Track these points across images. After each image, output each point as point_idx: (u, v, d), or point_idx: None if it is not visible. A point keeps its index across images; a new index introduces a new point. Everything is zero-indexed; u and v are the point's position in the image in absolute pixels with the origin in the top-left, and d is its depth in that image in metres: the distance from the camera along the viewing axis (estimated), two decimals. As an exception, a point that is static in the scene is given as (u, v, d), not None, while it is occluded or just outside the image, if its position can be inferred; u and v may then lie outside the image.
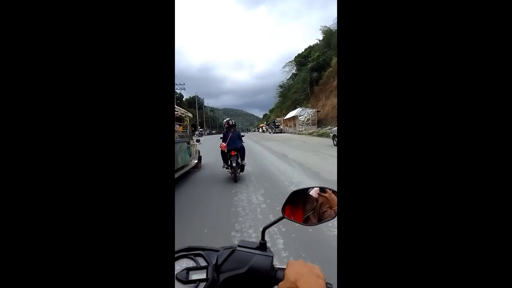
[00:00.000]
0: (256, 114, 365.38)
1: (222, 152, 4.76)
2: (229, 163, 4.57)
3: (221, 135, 5.04)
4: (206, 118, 73.61)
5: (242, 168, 4.84)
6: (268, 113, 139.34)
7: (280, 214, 0.54)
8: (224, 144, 4.63)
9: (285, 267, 0.45)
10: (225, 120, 5.05)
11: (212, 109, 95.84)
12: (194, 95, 62.29)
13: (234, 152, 4.48)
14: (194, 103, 62.42)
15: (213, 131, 77.05)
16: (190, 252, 0.49)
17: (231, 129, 4.76)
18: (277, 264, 0.48)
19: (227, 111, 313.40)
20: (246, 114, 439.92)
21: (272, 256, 0.48)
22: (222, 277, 0.45)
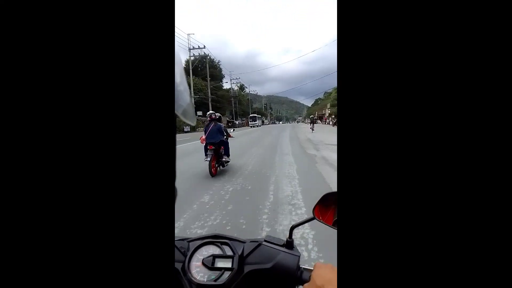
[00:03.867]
0: (302, 102, 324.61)
1: (204, 145, 5.02)
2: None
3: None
4: (223, 97, 44.00)
5: (222, 163, 5.04)
6: (322, 97, 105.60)
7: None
8: (203, 137, 4.87)
9: (311, 268, 0.44)
10: (208, 113, 5.20)
11: (242, 86, 65.14)
12: (203, 53, 33.11)
13: (211, 146, 4.63)
14: (203, 69, 34.18)
15: (237, 122, 45.06)
16: (217, 239, 0.50)
17: (213, 123, 4.87)
18: (303, 264, 0.47)
19: (271, 98, 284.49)
20: (291, 101, 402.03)
21: (299, 256, 0.47)
22: (247, 269, 0.46)
